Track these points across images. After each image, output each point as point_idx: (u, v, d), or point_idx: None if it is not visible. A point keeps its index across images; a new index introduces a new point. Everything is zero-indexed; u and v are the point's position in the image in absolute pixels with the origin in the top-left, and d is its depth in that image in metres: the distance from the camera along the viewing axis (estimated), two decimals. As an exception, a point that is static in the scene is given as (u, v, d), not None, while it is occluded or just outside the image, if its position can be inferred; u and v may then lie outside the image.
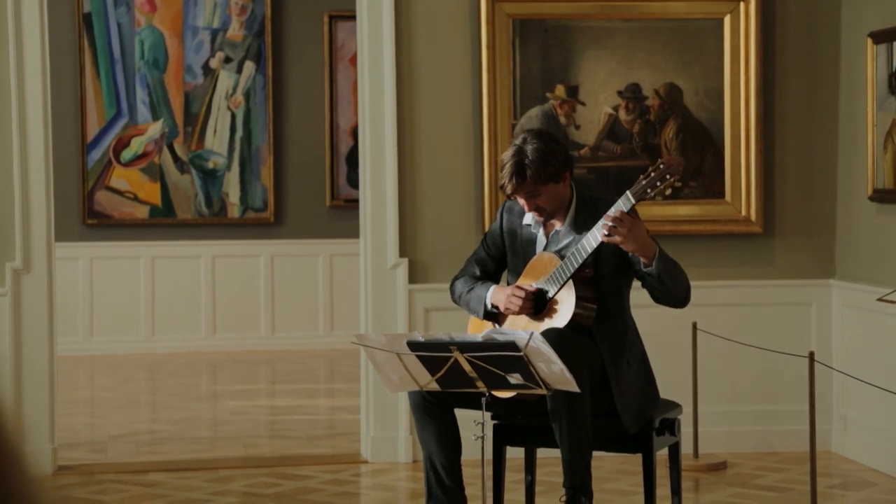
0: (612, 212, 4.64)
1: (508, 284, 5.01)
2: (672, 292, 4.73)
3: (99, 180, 10.87)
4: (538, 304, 4.87)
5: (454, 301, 5.12)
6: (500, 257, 5.09)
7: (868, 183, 6.66)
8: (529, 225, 4.97)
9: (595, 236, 4.72)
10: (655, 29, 6.93)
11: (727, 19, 6.92)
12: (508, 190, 4.81)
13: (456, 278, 5.12)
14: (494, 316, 4.97)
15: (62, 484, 6.47)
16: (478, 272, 5.08)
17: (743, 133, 6.94)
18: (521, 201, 4.86)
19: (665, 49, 6.94)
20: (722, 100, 6.95)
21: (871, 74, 6.59)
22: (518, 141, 4.87)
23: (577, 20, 6.89)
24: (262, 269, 11.14)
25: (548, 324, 4.81)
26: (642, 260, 4.68)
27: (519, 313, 4.86)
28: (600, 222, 4.69)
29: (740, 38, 6.91)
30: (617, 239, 4.60)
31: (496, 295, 4.93)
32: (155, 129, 10.93)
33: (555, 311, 4.84)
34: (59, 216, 8.00)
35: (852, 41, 6.83)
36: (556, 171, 4.80)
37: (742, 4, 6.90)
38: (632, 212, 4.68)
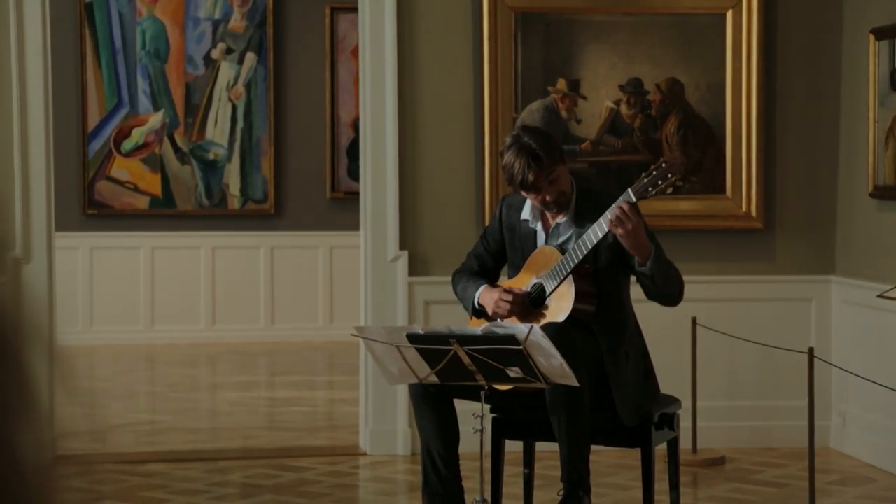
0: (620, 204, 4.65)
1: (509, 279, 5.01)
2: (663, 293, 4.79)
3: (99, 170, 10.87)
4: (535, 302, 4.87)
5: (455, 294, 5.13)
6: (499, 252, 5.08)
7: (869, 179, 6.66)
8: (527, 220, 4.97)
9: (596, 232, 4.72)
10: (657, 23, 6.93)
11: (729, 14, 6.92)
12: (531, 177, 4.75)
13: (456, 272, 5.13)
14: (483, 315, 4.97)
15: (61, 474, 6.46)
16: (476, 267, 5.08)
17: (744, 128, 6.94)
18: (536, 196, 4.83)
19: (667, 44, 6.93)
20: (723, 95, 6.95)
21: (873, 70, 6.59)
22: (513, 140, 4.85)
23: (579, 14, 6.88)
24: (262, 261, 11.14)
25: (548, 319, 4.81)
26: (637, 258, 4.71)
27: (507, 317, 4.86)
28: (602, 218, 4.69)
29: (742, 34, 6.91)
30: (619, 231, 4.62)
31: (485, 296, 4.93)
32: (156, 119, 10.92)
33: (555, 305, 4.84)
34: (60, 206, 7.99)
35: (854, 37, 6.83)
36: (561, 152, 4.89)
37: (744, 0, 6.89)
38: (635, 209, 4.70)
